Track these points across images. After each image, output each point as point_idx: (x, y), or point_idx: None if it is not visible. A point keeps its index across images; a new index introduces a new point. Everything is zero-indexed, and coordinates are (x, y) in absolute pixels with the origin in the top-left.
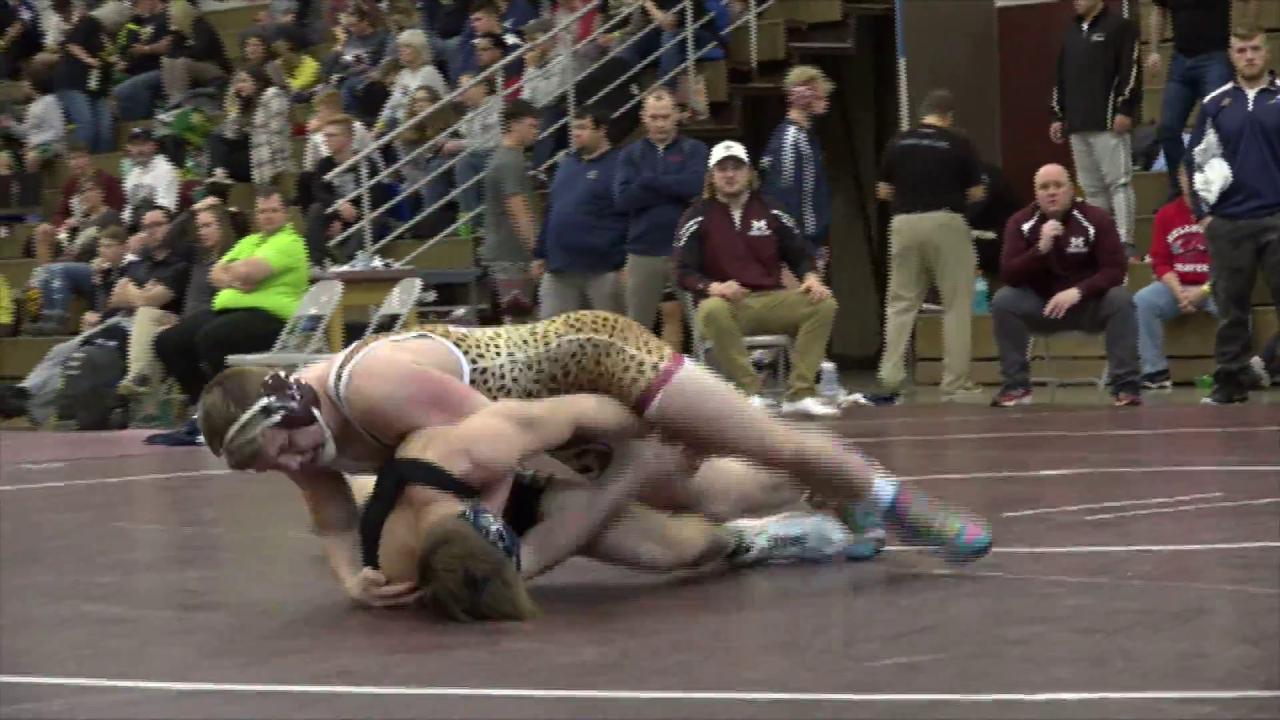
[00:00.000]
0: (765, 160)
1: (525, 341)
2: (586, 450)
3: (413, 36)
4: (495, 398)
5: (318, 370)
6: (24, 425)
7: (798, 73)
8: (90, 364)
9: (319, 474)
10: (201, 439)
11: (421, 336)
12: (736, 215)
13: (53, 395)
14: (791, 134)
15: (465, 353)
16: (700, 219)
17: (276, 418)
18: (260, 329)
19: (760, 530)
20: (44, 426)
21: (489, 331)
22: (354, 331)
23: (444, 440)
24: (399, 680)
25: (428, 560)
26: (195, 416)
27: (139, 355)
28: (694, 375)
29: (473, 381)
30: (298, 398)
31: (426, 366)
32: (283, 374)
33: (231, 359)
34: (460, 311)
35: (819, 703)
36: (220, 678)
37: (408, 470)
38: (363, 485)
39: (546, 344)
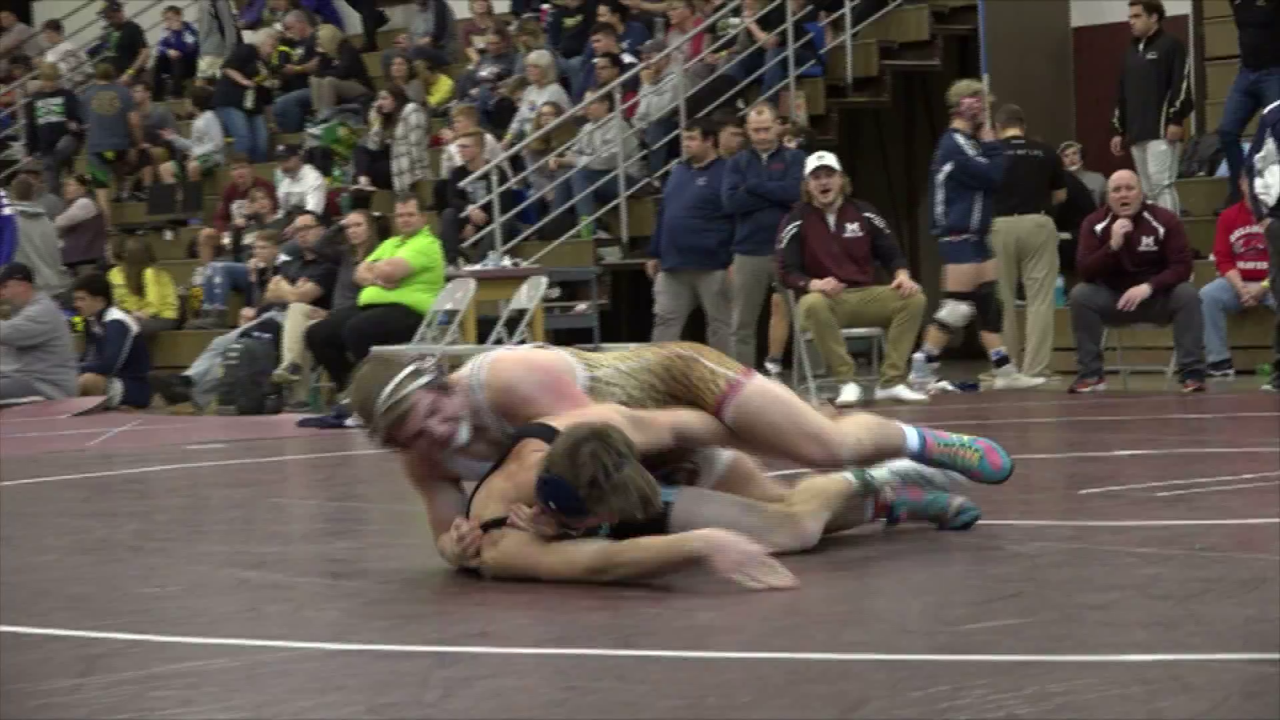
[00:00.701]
0: (948, 166)
1: (625, 358)
2: (677, 468)
3: (539, 57)
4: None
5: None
6: (188, 410)
7: (965, 85)
8: (248, 354)
9: (440, 477)
10: (349, 421)
11: (541, 347)
12: (831, 219)
13: (214, 383)
14: (961, 139)
15: (581, 362)
16: (799, 223)
17: (427, 378)
18: (401, 323)
19: (895, 469)
20: (206, 411)
21: (595, 354)
22: (486, 325)
23: (567, 416)
24: (531, 641)
25: (578, 441)
26: (344, 401)
27: (291, 346)
28: (760, 387)
29: (591, 389)
30: (441, 371)
31: (552, 367)
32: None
33: (375, 350)
34: (582, 307)
35: (916, 663)
36: (368, 638)
37: (528, 430)
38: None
39: (642, 358)
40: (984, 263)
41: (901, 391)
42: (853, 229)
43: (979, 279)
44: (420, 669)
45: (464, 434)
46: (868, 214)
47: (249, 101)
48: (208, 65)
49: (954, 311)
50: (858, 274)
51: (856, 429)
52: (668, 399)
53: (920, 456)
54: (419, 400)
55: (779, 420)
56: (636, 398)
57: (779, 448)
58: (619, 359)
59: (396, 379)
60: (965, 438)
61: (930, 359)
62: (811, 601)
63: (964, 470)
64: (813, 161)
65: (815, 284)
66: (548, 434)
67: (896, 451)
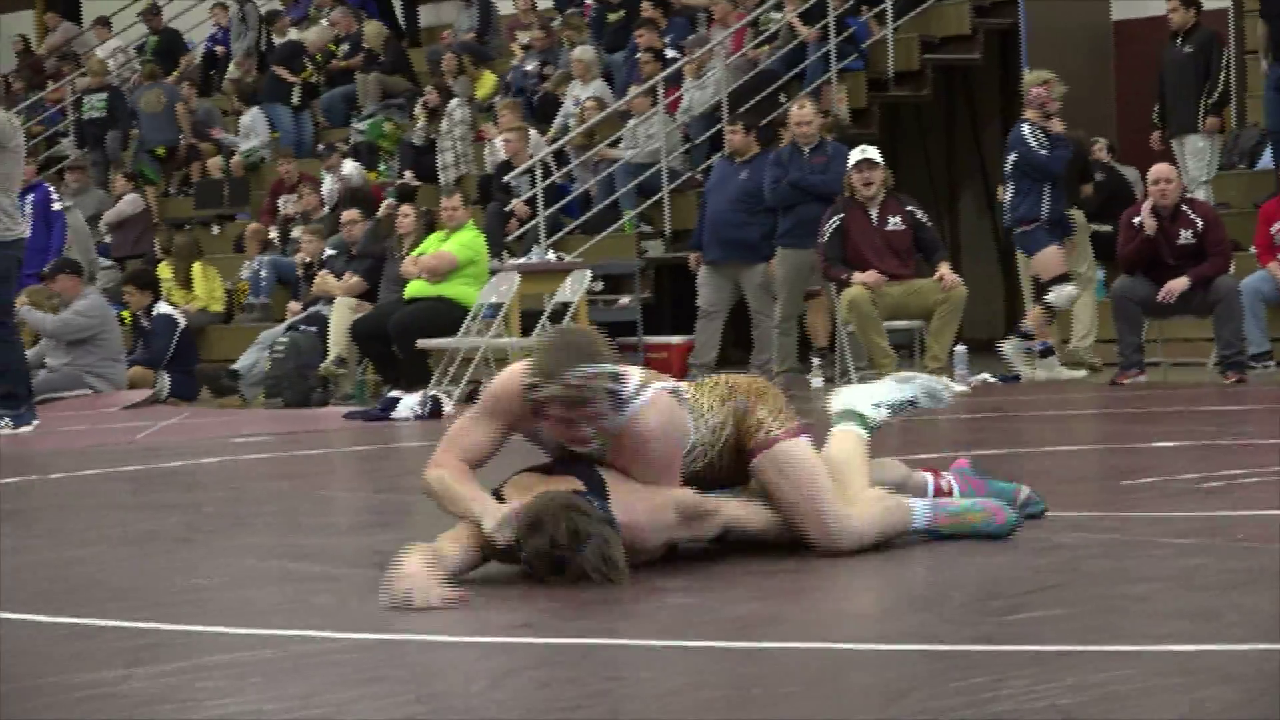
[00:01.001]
0: (1012, 156)
1: (710, 409)
2: None
3: (584, 52)
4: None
5: None
6: (235, 403)
7: (1035, 75)
8: (294, 348)
9: (510, 425)
10: (396, 413)
11: (675, 392)
12: (874, 212)
13: (260, 376)
14: (1026, 130)
15: (694, 418)
16: (841, 215)
17: (617, 387)
18: (446, 316)
19: (877, 402)
20: (253, 404)
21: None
22: (530, 318)
23: (629, 489)
24: (578, 632)
25: (540, 513)
26: (390, 394)
27: (337, 340)
28: (789, 452)
29: (689, 450)
30: (629, 388)
31: (681, 438)
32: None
33: (420, 343)
34: (625, 300)
35: (958, 653)
36: (413, 629)
37: (584, 474)
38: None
39: (715, 411)
40: (1063, 247)
41: None
42: (895, 222)
43: (1066, 260)
44: (465, 660)
45: (595, 445)
46: (910, 207)
47: (295, 97)
48: (235, 68)
49: (1060, 294)
50: (899, 267)
51: (863, 522)
52: (735, 449)
53: (930, 533)
54: (598, 400)
55: (790, 492)
56: (711, 444)
57: (786, 515)
58: (705, 410)
59: (599, 369)
60: (973, 501)
61: (1026, 336)
62: (854, 592)
63: (971, 533)
64: (855, 155)
65: (858, 277)
66: (594, 485)
67: (904, 530)
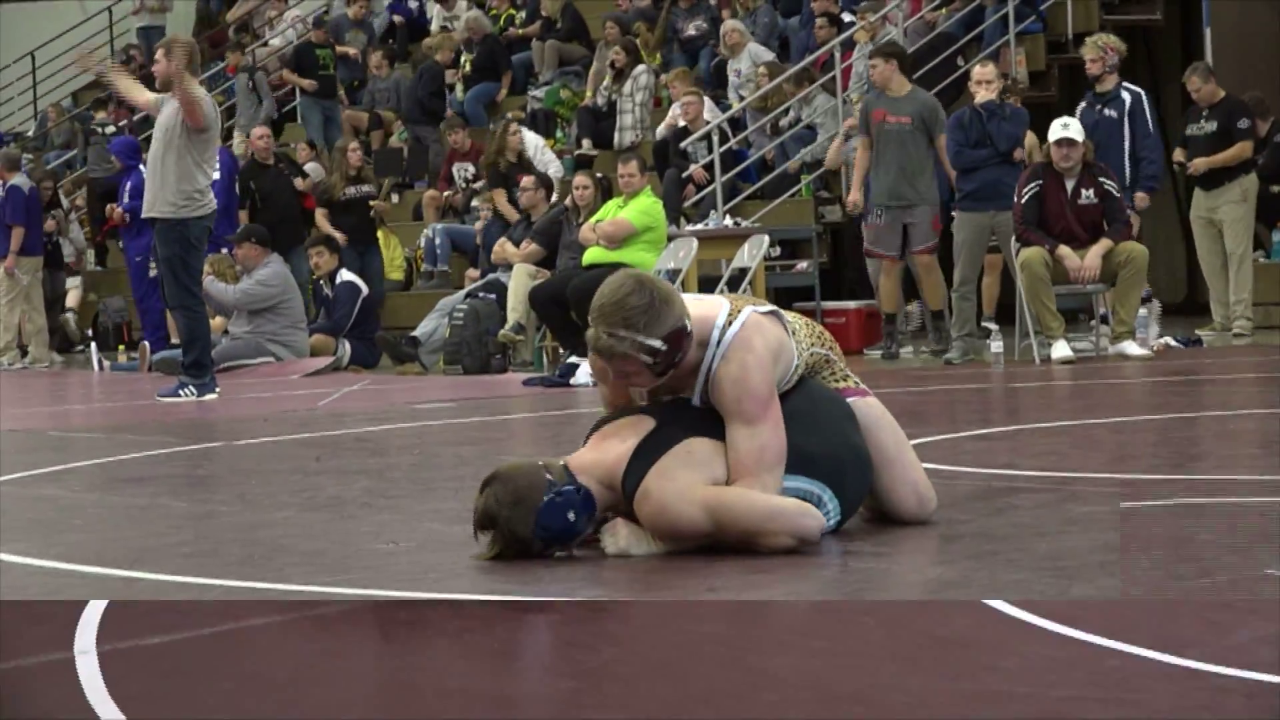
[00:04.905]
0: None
1: (806, 341)
2: None
3: (733, 25)
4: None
5: (706, 308)
6: (415, 370)
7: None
8: (473, 315)
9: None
10: (575, 379)
11: (773, 315)
12: (1070, 184)
13: (440, 343)
14: None
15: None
16: (1039, 183)
17: (652, 356)
18: None
19: None
20: (432, 371)
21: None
22: (708, 284)
23: (686, 460)
24: (763, 590)
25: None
26: (569, 360)
27: (515, 306)
28: (880, 406)
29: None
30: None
31: (787, 358)
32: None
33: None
34: (803, 265)
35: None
36: (602, 593)
37: (667, 424)
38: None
39: (808, 344)
40: None
41: (1128, 347)
42: (1088, 195)
43: None
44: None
45: (649, 386)
46: (1102, 178)
47: (468, 67)
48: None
49: None
50: (1089, 242)
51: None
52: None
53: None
54: (628, 360)
55: (885, 443)
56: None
57: (882, 469)
58: (807, 338)
59: (632, 337)
60: None
61: None
62: (1036, 556)
63: None
64: (1057, 130)
65: (1061, 251)
66: (640, 468)
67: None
